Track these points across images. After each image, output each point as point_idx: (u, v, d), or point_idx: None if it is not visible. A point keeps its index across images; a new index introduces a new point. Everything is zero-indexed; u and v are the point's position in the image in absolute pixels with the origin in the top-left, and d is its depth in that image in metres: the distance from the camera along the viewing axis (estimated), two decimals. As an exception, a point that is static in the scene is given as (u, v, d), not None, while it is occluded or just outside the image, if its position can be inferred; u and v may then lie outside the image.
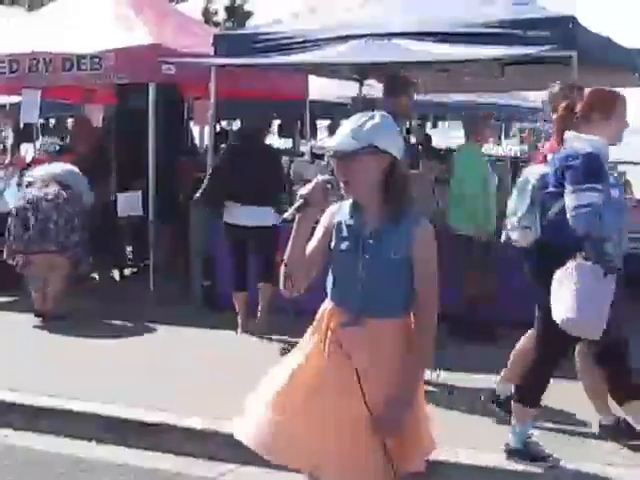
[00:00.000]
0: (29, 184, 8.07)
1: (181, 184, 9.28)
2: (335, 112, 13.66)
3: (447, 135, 19.55)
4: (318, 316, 3.23)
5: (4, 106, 12.91)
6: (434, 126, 19.69)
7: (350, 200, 3.16)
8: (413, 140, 12.17)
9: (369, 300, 3.07)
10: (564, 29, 7.17)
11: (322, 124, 17.04)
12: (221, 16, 29.50)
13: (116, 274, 9.82)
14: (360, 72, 10.34)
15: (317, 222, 3.21)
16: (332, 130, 14.91)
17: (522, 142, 16.71)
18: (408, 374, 3.07)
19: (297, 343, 3.31)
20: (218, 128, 13.66)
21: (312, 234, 3.19)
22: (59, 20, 9.61)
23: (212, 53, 8.72)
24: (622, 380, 4.67)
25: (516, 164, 9.07)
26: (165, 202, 8.77)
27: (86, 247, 8.10)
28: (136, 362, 6.60)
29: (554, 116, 5.18)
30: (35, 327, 7.66)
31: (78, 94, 11.01)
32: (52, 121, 16.35)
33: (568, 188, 4.27)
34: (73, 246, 7.91)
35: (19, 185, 8.60)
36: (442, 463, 4.43)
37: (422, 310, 3.10)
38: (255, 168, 7.17)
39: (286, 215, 3.11)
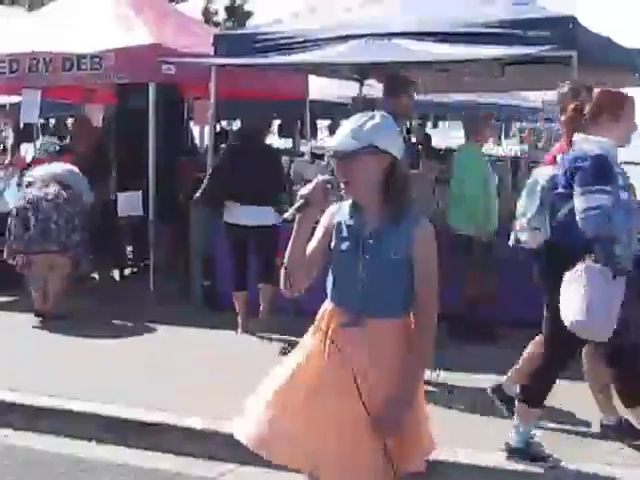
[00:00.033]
0: (29, 184, 8.07)
1: (181, 184, 9.28)
2: (335, 112, 13.67)
3: (447, 135, 19.54)
4: (318, 316, 3.23)
5: (4, 106, 12.92)
6: (434, 126, 19.69)
7: (350, 200, 3.16)
8: (413, 140, 12.17)
9: (369, 300, 3.07)
10: (564, 29, 7.17)
11: (322, 124, 17.06)
12: (221, 16, 29.48)
13: (116, 274, 9.83)
14: (360, 72, 10.34)
15: (317, 222, 3.21)
16: (332, 130, 14.94)
17: (522, 142, 16.71)
18: (408, 374, 3.07)
19: (297, 343, 3.31)
20: (218, 128, 13.67)
21: (312, 234, 3.19)
22: (59, 20, 9.61)
23: (212, 53, 8.72)
24: (632, 383, 4.66)
25: (516, 164, 9.08)
26: (165, 202, 8.77)
27: (86, 247, 8.10)
28: (136, 362, 6.60)
29: (562, 117, 5.16)
30: (35, 327, 7.66)
31: (78, 94, 11.01)
32: (52, 121, 16.35)
33: (577, 190, 4.26)
34: (74, 246, 7.91)
35: (19, 185, 8.60)
36: (441, 463, 4.42)
37: (422, 310, 3.10)
38: (255, 168, 7.17)
39: (286, 215, 3.11)
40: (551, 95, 11.21)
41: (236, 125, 15.62)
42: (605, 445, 4.82)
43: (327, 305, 3.22)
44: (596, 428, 5.02)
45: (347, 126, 3.09)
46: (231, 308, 7.46)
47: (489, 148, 12.01)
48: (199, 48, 8.99)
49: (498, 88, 12.95)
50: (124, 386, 5.86)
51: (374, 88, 10.09)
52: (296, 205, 3.07)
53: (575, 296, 4.20)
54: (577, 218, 4.23)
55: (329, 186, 3.07)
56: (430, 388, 5.24)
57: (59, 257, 7.85)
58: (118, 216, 8.92)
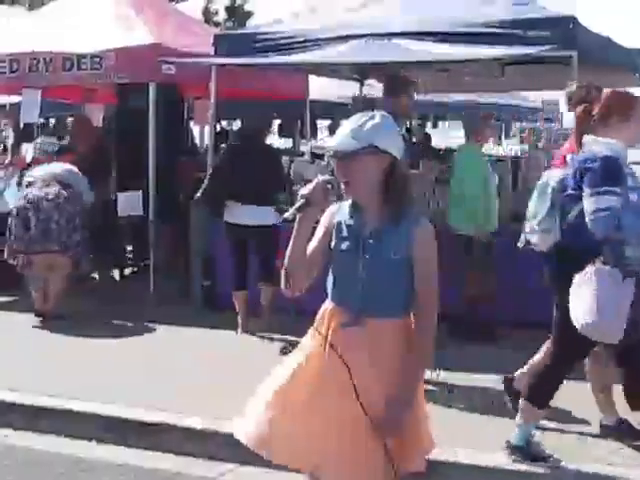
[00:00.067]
0: (29, 184, 8.07)
1: (181, 184, 9.27)
2: (335, 112, 13.66)
3: (447, 135, 19.54)
4: (319, 316, 3.23)
5: (4, 106, 12.91)
6: (434, 126, 19.66)
7: (350, 200, 3.16)
8: (414, 140, 12.17)
9: (369, 300, 3.07)
10: (564, 29, 7.17)
11: (322, 124, 17.04)
12: (221, 16, 29.46)
13: (116, 274, 9.83)
14: (360, 72, 10.35)
15: (317, 222, 3.21)
16: (332, 130, 14.93)
17: (522, 142, 16.70)
18: (408, 374, 3.07)
19: (297, 343, 3.32)
20: (218, 128, 13.66)
21: (313, 234, 3.19)
22: (59, 20, 9.61)
23: (212, 53, 8.72)
24: None
25: (516, 164, 9.06)
26: (165, 202, 8.77)
27: (86, 246, 8.11)
28: (136, 362, 6.60)
29: (573, 115, 5.13)
30: (35, 327, 7.67)
31: (78, 94, 11.01)
32: (52, 121, 16.34)
33: (586, 191, 4.25)
34: (74, 246, 7.91)
35: (19, 185, 8.60)
36: (441, 463, 4.42)
37: (422, 310, 3.10)
38: (255, 168, 7.17)
39: (287, 215, 3.11)
40: (551, 95, 11.23)
41: (236, 125, 15.61)
42: (605, 445, 4.82)
43: (327, 305, 3.22)
44: (596, 428, 5.02)
45: (347, 126, 3.09)
46: (231, 308, 7.46)
47: (489, 148, 12.00)
48: (199, 48, 8.99)
49: (498, 88, 12.95)
50: (124, 386, 5.86)
51: (374, 88, 10.09)
52: (296, 205, 3.07)
53: (585, 298, 4.18)
54: (586, 219, 4.22)
55: (329, 186, 3.07)
56: (430, 387, 5.25)
57: (59, 257, 7.86)
58: (118, 216, 8.92)
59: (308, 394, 3.10)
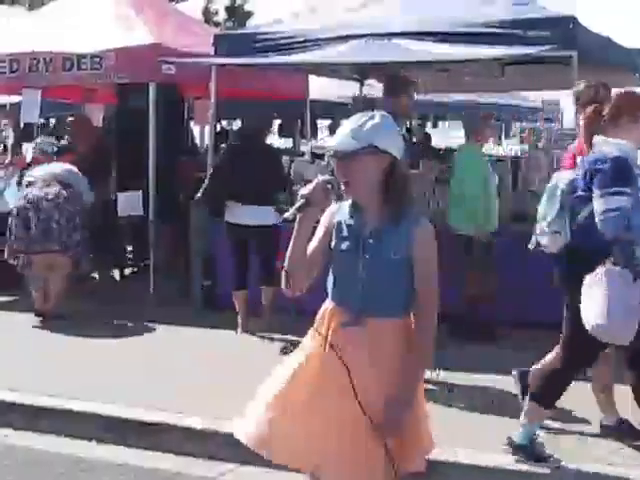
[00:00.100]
0: (29, 184, 8.07)
1: (181, 184, 9.28)
2: (335, 112, 13.67)
3: (447, 135, 19.54)
4: (319, 316, 3.23)
5: (4, 106, 12.91)
6: (434, 126, 19.66)
7: (350, 200, 3.16)
8: (414, 139, 12.17)
9: (369, 300, 3.07)
10: (564, 29, 7.17)
11: (322, 124, 17.05)
12: (221, 16, 29.45)
13: (116, 274, 9.83)
14: (360, 72, 10.35)
15: (318, 222, 3.21)
16: (333, 130, 14.93)
17: (522, 142, 16.69)
18: (408, 374, 3.07)
19: (298, 342, 3.32)
20: (218, 128, 13.66)
21: (313, 234, 3.19)
22: (59, 20, 9.61)
23: (212, 53, 8.72)
24: None
25: (516, 164, 9.07)
26: (165, 202, 8.77)
27: (86, 246, 8.11)
28: (136, 362, 6.60)
29: (580, 116, 5.11)
30: (35, 327, 7.67)
31: (78, 94, 11.01)
32: (52, 121, 16.35)
33: (596, 192, 4.24)
34: (75, 245, 7.92)
35: (19, 184, 8.60)
36: (441, 463, 4.42)
37: (422, 310, 3.10)
38: (255, 168, 7.17)
39: (287, 215, 3.11)
40: (551, 95, 11.23)
41: (236, 125, 15.62)
42: (605, 445, 4.82)
43: (327, 304, 3.22)
44: (596, 428, 5.02)
45: (347, 126, 3.09)
46: (231, 308, 7.46)
47: (489, 148, 11.99)
48: (199, 48, 8.99)
49: (498, 88, 12.95)
50: (124, 386, 5.86)
51: (374, 88, 10.09)
52: (297, 205, 3.07)
53: (596, 299, 4.16)
54: (596, 220, 4.21)
55: (329, 186, 3.08)
56: (430, 386, 5.25)
57: (60, 257, 7.86)
58: (118, 216, 8.92)
59: (308, 394, 3.10)
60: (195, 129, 13.29)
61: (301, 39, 8.24)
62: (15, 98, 11.06)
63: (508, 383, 5.80)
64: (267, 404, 3.15)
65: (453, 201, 7.35)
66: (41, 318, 7.79)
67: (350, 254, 3.11)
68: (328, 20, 8.51)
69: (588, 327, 4.21)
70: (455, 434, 4.66)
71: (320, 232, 3.21)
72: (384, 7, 8.47)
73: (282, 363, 3.28)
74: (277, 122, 15.27)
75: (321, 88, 11.99)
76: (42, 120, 12.70)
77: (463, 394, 5.69)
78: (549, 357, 4.79)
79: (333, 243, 3.16)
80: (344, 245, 3.13)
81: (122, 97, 10.11)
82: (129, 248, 10.35)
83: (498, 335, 7.00)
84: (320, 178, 3.11)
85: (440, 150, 13.03)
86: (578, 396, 5.06)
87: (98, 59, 8.61)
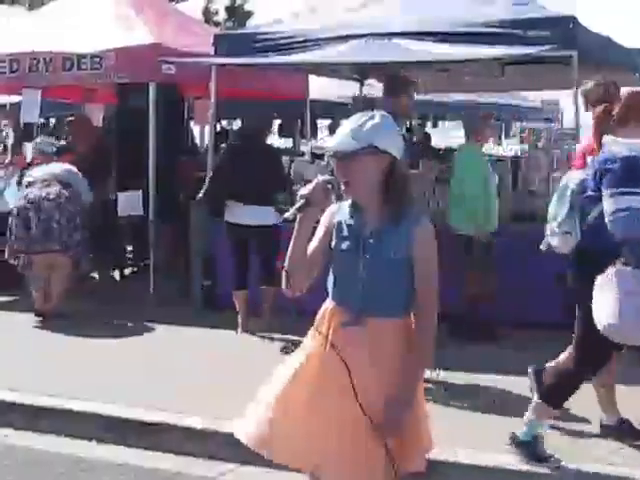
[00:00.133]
0: (29, 184, 8.07)
1: (181, 184, 9.28)
2: (335, 112, 13.66)
3: (447, 135, 19.54)
4: (319, 315, 3.23)
5: (4, 106, 12.91)
6: (434, 126, 19.64)
7: (350, 200, 3.16)
8: (414, 139, 12.17)
9: (370, 300, 3.07)
10: (564, 29, 7.17)
11: (322, 124, 17.04)
12: (221, 16, 29.43)
13: (116, 274, 9.83)
14: (360, 72, 10.35)
15: (318, 222, 3.21)
16: (332, 130, 14.92)
17: (522, 142, 16.69)
18: (408, 374, 3.07)
19: (298, 342, 3.32)
20: (218, 128, 13.66)
21: (313, 234, 3.19)
22: (59, 19, 9.61)
23: (212, 53, 8.72)
24: None
25: (516, 164, 9.07)
26: (165, 202, 8.77)
27: (86, 246, 8.11)
28: (136, 362, 6.60)
29: (591, 115, 5.08)
30: (35, 327, 7.67)
31: (78, 94, 11.01)
32: (52, 121, 16.35)
33: (606, 192, 4.22)
34: (75, 245, 7.92)
35: (19, 184, 8.60)
36: (441, 463, 4.42)
37: (422, 310, 3.10)
38: (256, 168, 7.18)
39: (287, 215, 3.11)
40: (551, 95, 11.24)
41: (236, 125, 15.61)
42: (605, 445, 4.82)
43: (328, 304, 3.22)
44: (596, 428, 5.01)
45: (347, 126, 3.09)
46: (231, 308, 7.46)
47: (489, 148, 12.00)
48: (199, 48, 8.99)
49: (498, 88, 12.95)
50: (124, 386, 5.86)
51: (374, 88, 10.09)
52: (297, 205, 3.07)
53: (607, 300, 4.14)
54: (606, 220, 4.19)
55: (329, 186, 3.08)
56: (428, 385, 5.24)
57: (60, 257, 7.86)
58: (118, 216, 8.92)
59: (309, 394, 3.10)
60: (195, 129, 13.29)
61: (301, 39, 8.24)
62: (15, 98, 11.07)
63: (508, 383, 5.81)
64: (268, 404, 3.15)
65: (453, 201, 7.35)
66: (41, 318, 7.79)
67: (350, 254, 3.10)
68: (328, 20, 8.51)
69: (600, 327, 4.18)
70: (455, 434, 4.66)
71: (320, 232, 3.20)
72: (384, 7, 8.47)
73: (283, 363, 3.28)
74: (277, 122, 15.27)
75: (321, 88, 11.99)
76: (42, 120, 12.69)
77: (463, 394, 5.69)
78: (562, 357, 4.75)
79: (333, 243, 3.16)
80: (344, 245, 3.13)
81: (122, 97, 10.12)
82: (129, 248, 10.35)
83: (498, 335, 7.00)
84: (320, 178, 3.11)
85: (440, 150, 13.03)
86: (579, 396, 5.06)
87: (98, 59, 8.61)
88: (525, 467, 4.50)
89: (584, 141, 5.60)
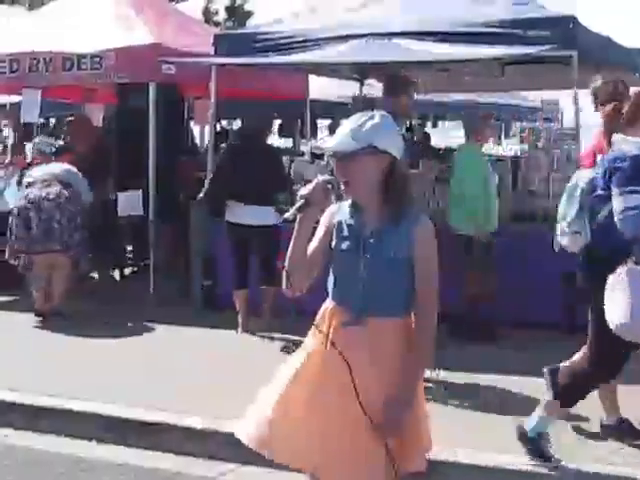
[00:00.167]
0: (29, 184, 8.07)
1: (181, 184, 9.28)
2: (335, 111, 13.65)
3: (447, 135, 19.52)
4: (319, 315, 3.23)
5: (4, 106, 12.91)
6: (434, 126, 19.64)
7: (350, 200, 3.16)
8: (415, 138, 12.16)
9: (370, 299, 3.07)
10: (564, 29, 7.17)
11: (322, 123, 17.03)
12: (221, 16, 29.40)
13: (116, 274, 9.83)
14: (360, 72, 10.35)
15: (318, 222, 3.21)
16: (332, 130, 14.91)
17: (522, 142, 16.67)
18: (408, 374, 3.07)
19: (299, 341, 3.32)
20: (218, 128, 13.66)
21: (313, 234, 3.19)
22: (59, 19, 9.62)
23: (212, 53, 8.73)
24: None
25: (516, 164, 9.07)
26: (165, 202, 8.77)
27: (86, 246, 8.11)
28: (136, 362, 6.60)
29: (600, 114, 5.07)
30: (35, 327, 7.67)
31: (78, 93, 11.01)
32: (52, 121, 16.35)
33: (615, 191, 4.21)
34: (76, 245, 7.92)
35: (19, 184, 8.61)
36: (441, 463, 4.42)
37: (422, 309, 3.10)
38: (256, 168, 7.18)
39: (287, 215, 3.11)
40: (550, 95, 11.23)
41: (236, 125, 15.61)
42: (605, 445, 4.81)
43: (328, 304, 3.22)
44: (596, 428, 5.01)
45: (346, 126, 3.09)
46: (231, 308, 7.47)
47: (489, 148, 11.99)
48: (199, 48, 8.99)
49: (498, 88, 12.95)
50: (124, 386, 5.86)
51: (374, 88, 10.09)
52: (297, 205, 3.07)
53: (618, 299, 4.12)
54: (615, 219, 4.18)
55: (329, 186, 3.08)
56: (429, 385, 5.24)
57: (61, 256, 7.86)
58: (118, 216, 8.92)
59: (309, 393, 3.10)
60: (195, 129, 13.29)
61: (301, 39, 8.24)
62: (15, 98, 11.06)
63: (508, 383, 5.82)
64: (269, 405, 3.15)
65: (453, 201, 7.35)
66: (41, 318, 7.79)
67: (351, 254, 3.10)
68: (328, 20, 8.51)
69: (612, 327, 4.17)
70: (455, 434, 4.66)
71: (320, 232, 3.20)
72: (384, 7, 8.46)
73: (285, 363, 3.27)
74: (277, 122, 15.26)
75: (321, 88, 11.99)
76: (42, 120, 12.69)
77: (463, 394, 5.68)
78: (577, 356, 4.71)
79: (334, 243, 3.16)
80: (345, 245, 3.13)
81: (122, 97, 10.12)
82: (129, 248, 10.35)
83: (498, 335, 7.00)
84: (320, 178, 3.11)
85: (440, 150, 13.02)
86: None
87: (98, 59, 8.61)
88: (525, 467, 4.50)
89: (584, 141, 5.59)
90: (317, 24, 8.49)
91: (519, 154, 12.20)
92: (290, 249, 3.13)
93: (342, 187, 3.09)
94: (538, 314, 6.94)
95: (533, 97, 15.38)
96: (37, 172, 8.19)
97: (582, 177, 4.62)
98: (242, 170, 7.21)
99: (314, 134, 15.26)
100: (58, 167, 8.25)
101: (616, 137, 4.45)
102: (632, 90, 4.70)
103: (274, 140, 15.29)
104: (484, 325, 7.05)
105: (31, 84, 9.16)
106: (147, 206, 8.68)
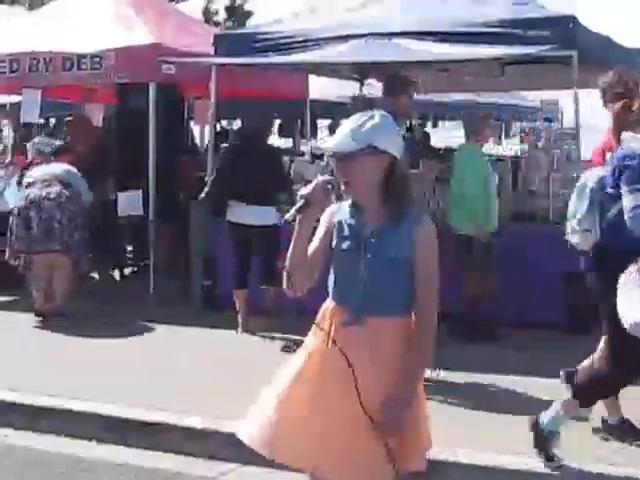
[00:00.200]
0: (29, 184, 8.07)
1: (181, 184, 9.28)
2: (335, 112, 13.65)
3: (447, 135, 19.52)
4: (319, 315, 3.23)
5: (4, 106, 12.91)
6: (434, 126, 19.63)
7: (350, 200, 3.16)
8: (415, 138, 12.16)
9: (370, 299, 3.07)
10: (564, 29, 7.18)
11: (322, 124, 17.03)
12: (221, 16, 29.39)
13: (116, 274, 9.83)
14: (360, 71, 10.35)
15: (318, 222, 3.21)
16: (333, 130, 14.91)
17: (522, 142, 16.67)
18: (408, 373, 3.07)
19: (298, 341, 3.31)
20: (218, 128, 13.66)
21: (314, 234, 3.19)
22: (59, 19, 9.62)
23: (212, 53, 8.73)
24: None
25: (516, 164, 9.07)
26: (165, 202, 8.78)
27: (86, 246, 8.11)
28: (136, 362, 6.60)
29: (609, 111, 5.05)
30: (35, 327, 7.67)
31: (78, 93, 11.01)
32: (52, 121, 16.35)
33: (625, 189, 4.20)
34: (76, 245, 7.92)
35: (19, 184, 8.61)
36: (441, 463, 4.42)
37: (422, 309, 3.10)
38: (257, 168, 7.19)
39: (287, 216, 3.11)
40: (550, 95, 11.22)
41: (236, 125, 15.61)
42: (607, 445, 4.81)
43: (328, 304, 3.21)
44: (598, 428, 5.01)
45: (346, 126, 3.09)
46: (231, 307, 7.47)
47: (489, 148, 11.99)
48: (199, 48, 8.99)
49: (498, 88, 12.95)
50: (124, 386, 5.86)
51: (374, 88, 10.09)
52: (297, 206, 3.07)
53: (631, 298, 4.10)
54: (625, 217, 4.17)
55: (329, 186, 3.07)
56: (429, 384, 5.22)
57: (61, 256, 7.86)
58: (118, 216, 8.92)
59: (310, 393, 3.10)
60: (195, 129, 13.29)
61: (301, 39, 8.24)
62: (15, 98, 11.07)
63: (508, 383, 5.82)
64: (270, 405, 3.15)
65: (453, 201, 7.35)
66: (41, 318, 7.79)
67: (351, 254, 3.10)
68: (328, 20, 8.51)
69: (627, 326, 4.14)
70: (455, 434, 4.66)
71: (321, 232, 3.20)
72: (384, 7, 8.46)
73: (286, 363, 3.27)
74: (277, 122, 15.26)
75: (321, 88, 11.99)
76: (42, 120, 12.69)
77: (463, 394, 5.68)
78: (595, 355, 4.69)
79: (334, 243, 3.16)
80: (345, 245, 3.13)
81: (122, 97, 10.12)
82: (129, 248, 10.35)
83: (498, 335, 7.00)
84: (320, 178, 3.10)
85: (440, 150, 13.02)
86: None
87: (98, 59, 8.62)
88: (525, 467, 4.50)
89: (584, 141, 5.58)
90: (317, 24, 8.49)
91: (519, 154, 12.20)
92: (291, 249, 3.13)
93: (342, 187, 3.09)
94: (538, 314, 6.94)
95: (533, 97, 15.37)
96: (37, 172, 8.19)
97: (590, 176, 4.61)
98: (242, 170, 7.21)
99: (314, 134, 15.26)
100: (58, 167, 8.25)
101: (625, 135, 4.44)
102: None
103: (274, 140, 15.30)
104: (484, 325, 7.05)
105: (31, 84, 9.16)
106: (147, 206, 8.68)
